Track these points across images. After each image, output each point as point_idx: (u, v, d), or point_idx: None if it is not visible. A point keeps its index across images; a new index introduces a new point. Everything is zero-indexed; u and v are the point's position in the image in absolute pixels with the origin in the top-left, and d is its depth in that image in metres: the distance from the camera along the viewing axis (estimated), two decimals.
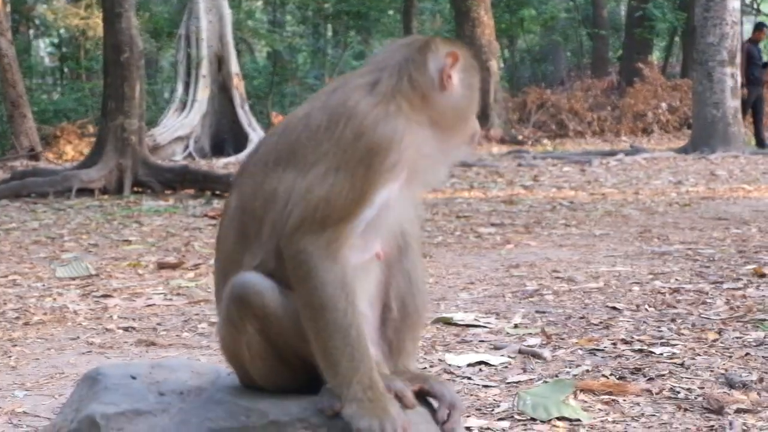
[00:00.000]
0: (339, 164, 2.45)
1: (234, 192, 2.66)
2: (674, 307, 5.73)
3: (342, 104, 2.52)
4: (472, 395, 4.08)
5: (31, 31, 36.98)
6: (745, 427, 3.59)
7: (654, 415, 3.76)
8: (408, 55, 2.61)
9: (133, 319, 5.91)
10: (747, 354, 4.62)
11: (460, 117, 2.62)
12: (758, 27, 23.48)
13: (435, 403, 2.69)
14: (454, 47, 2.64)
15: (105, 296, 6.63)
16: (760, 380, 4.14)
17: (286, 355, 2.55)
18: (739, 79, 20.80)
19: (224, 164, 21.07)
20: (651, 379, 4.24)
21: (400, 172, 2.47)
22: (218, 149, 24.02)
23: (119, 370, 2.94)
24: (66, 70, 35.22)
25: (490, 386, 4.23)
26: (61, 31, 34.05)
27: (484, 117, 27.88)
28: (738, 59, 20.77)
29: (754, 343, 4.82)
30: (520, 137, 28.08)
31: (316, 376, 2.52)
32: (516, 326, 5.36)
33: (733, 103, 20.49)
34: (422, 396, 2.68)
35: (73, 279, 7.29)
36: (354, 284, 2.47)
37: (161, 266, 7.74)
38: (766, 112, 23.11)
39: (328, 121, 2.50)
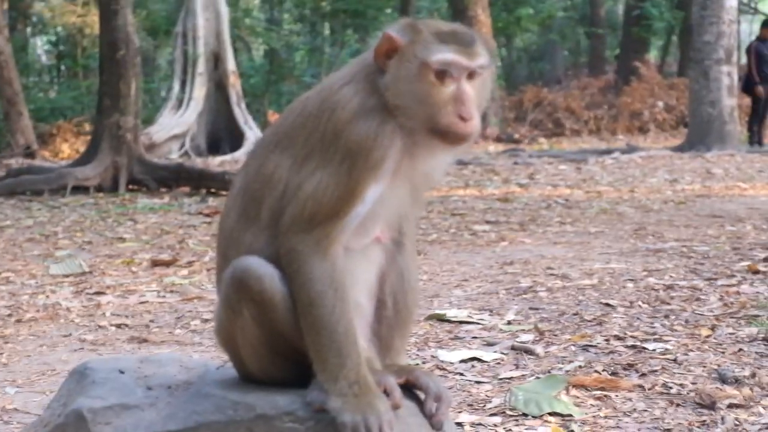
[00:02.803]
0: (326, 161, 2.45)
1: (240, 172, 2.68)
2: (668, 304, 5.72)
3: (329, 91, 2.52)
4: (464, 391, 4.07)
5: (29, 29, 36.93)
6: (737, 422, 3.58)
7: (646, 411, 3.75)
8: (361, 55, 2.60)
9: (126, 316, 5.90)
10: (740, 350, 4.61)
11: (408, 106, 2.47)
12: (765, 24, 23.51)
13: (423, 396, 2.68)
14: (400, 29, 2.52)
15: (98, 293, 6.62)
16: (753, 375, 4.13)
17: (278, 344, 2.54)
18: (736, 79, 20.80)
19: (220, 162, 21.06)
20: (643, 374, 4.24)
21: (386, 168, 2.46)
22: (214, 147, 24.01)
23: (107, 365, 2.93)
24: (63, 68, 35.24)
25: (483, 382, 4.22)
26: (58, 28, 34.01)
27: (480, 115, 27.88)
28: (734, 58, 20.78)
29: (747, 339, 4.81)
30: (517, 136, 28.08)
31: (307, 369, 2.51)
32: (509, 323, 5.35)
33: (730, 102, 20.49)
34: (410, 389, 2.67)
35: (67, 276, 7.28)
36: (345, 280, 2.47)
37: (155, 263, 7.73)
38: None
39: (318, 109, 2.51)
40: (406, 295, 2.68)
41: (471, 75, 2.51)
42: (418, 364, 4.39)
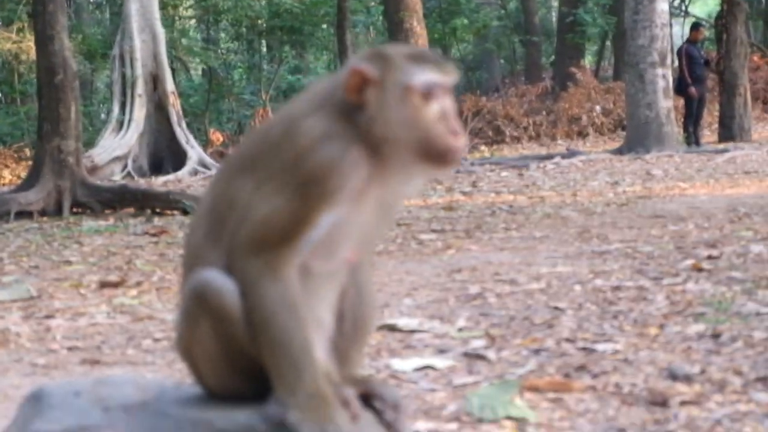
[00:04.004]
0: (282, 186, 2.45)
1: (208, 191, 2.69)
2: (616, 304, 5.78)
3: (292, 119, 2.52)
4: (419, 399, 4.09)
5: None
6: (689, 419, 3.63)
7: (600, 411, 3.79)
8: (342, 69, 2.60)
9: (77, 339, 5.87)
10: (689, 347, 4.67)
11: (398, 134, 2.46)
12: (695, 27, 23.92)
13: (380, 406, 2.70)
14: (367, 60, 2.51)
15: (47, 317, 6.58)
16: (703, 372, 4.18)
17: (236, 358, 2.55)
18: (671, 81, 21.04)
19: (163, 182, 20.99)
20: (596, 375, 4.28)
21: (345, 195, 2.45)
22: (157, 167, 23.91)
23: (63, 388, 2.93)
24: (0, 94, 34.94)
25: (437, 389, 4.24)
26: None
27: None
28: (668, 60, 21.01)
29: (695, 337, 4.87)
30: None
31: (265, 383, 2.52)
32: (460, 330, 5.38)
33: (666, 104, 20.70)
34: (367, 399, 2.69)
35: (15, 301, 7.22)
36: (298, 300, 2.47)
37: (103, 285, 7.69)
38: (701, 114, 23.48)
39: (281, 135, 2.51)
40: (364, 309, 2.70)
41: (450, 89, 2.54)
42: (372, 375, 4.41)
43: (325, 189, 2.43)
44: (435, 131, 2.46)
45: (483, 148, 28.09)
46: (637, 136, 20.81)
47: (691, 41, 23.45)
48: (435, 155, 2.47)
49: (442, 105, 2.48)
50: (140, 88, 24.18)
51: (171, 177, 22.16)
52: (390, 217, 2.68)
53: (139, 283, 7.70)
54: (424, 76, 2.47)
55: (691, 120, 22.91)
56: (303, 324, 2.47)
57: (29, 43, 26.51)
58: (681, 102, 23.68)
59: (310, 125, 2.46)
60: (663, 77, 20.67)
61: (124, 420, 2.73)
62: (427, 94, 2.47)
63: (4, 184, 22.42)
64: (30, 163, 18.56)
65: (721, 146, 21.88)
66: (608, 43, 40.19)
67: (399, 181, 2.55)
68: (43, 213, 14.15)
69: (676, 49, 23.66)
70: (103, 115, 31.14)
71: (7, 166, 24.83)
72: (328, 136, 2.45)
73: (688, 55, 22.76)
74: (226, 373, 2.60)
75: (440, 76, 2.50)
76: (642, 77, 20.62)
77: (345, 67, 2.56)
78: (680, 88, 22.60)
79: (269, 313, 2.44)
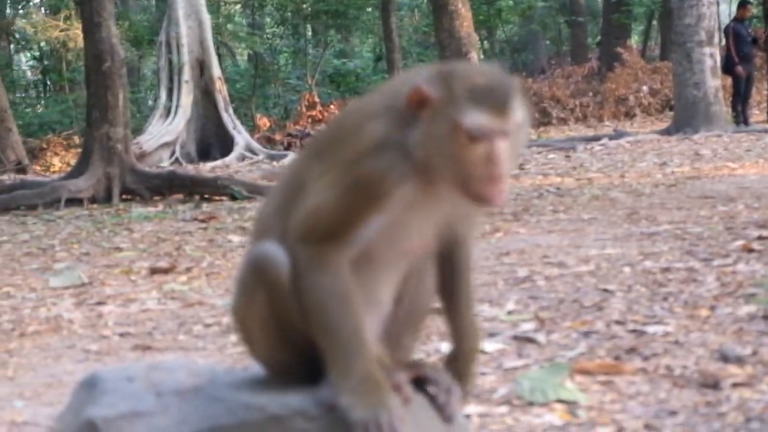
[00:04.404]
0: (336, 181, 2.42)
1: (291, 161, 2.70)
2: (665, 286, 5.76)
3: (359, 117, 2.49)
4: None
5: (12, 46, 36.90)
6: (741, 401, 3.62)
7: (651, 394, 3.79)
8: (405, 80, 2.50)
9: (129, 325, 5.92)
10: (740, 328, 4.65)
11: (436, 164, 2.38)
12: (742, 4, 23.64)
13: (432, 390, 2.70)
14: (431, 81, 2.40)
15: (99, 303, 6.64)
16: (755, 353, 4.17)
17: (288, 333, 2.54)
18: (718, 60, 20.86)
19: (211, 168, 21.07)
20: (646, 357, 4.27)
21: (392, 204, 2.41)
22: (204, 153, 23.99)
23: (116, 374, 2.95)
24: (48, 82, 35.20)
25: (487, 373, 4.25)
26: (42, 43, 33.98)
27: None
28: (716, 39, 20.84)
29: (746, 318, 4.85)
30: None
31: (317, 362, 2.52)
32: (509, 313, 5.38)
33: (714, 83, 20.54)
34: (419, 384, 2.70)
35: (67, 288, 7.30)
36: (347, 289, 2.45)
37: (154, 271, 7.75)
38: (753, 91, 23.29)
39: (346, 131, 2.49)
40: (422, 296, 2.69)
41: (505, 134, 2.39)
42: (423, 359, 4.42)
43: (372, 195, 2.40)
44: (473, 174, 2.36)
45: (529, 130, 27.98)
46: (684, 116, 20.65)
47: (739, 19, 23.21)
48: (470, 196, 2.39)
49: (490, 149, 2.35)
50: (187, 74, 24.25)
51: (218, 163, 22.23)
52: (463, 215, 2.62)
53: (188, 269, 7.75)
54: (476, 119, 2.35)
55: (739, 99, 22.71)
56: (353, 311, 2.46)
57: (77, 31, 26.69)
58: (729, 81, 23.48)
59: (372, 129, 2.43)
60: (710, 56, 20.51)
61: (177, 405, 2.74)
62: (476, 137, 2.35)
63: (54, 172, 22.58)
64: (79, 150, 18.70)
65: None
66: (654, 22, 39.91)
67: (448, 201, 2.48)
68: (92, 200, 14.26)
69: (723, 28, 23.47)
70: (150, 102, 31.30)
71: (56, 154, 25.00)
72: (385, 144, 2.40)
73: (735, 33, 22.54)
74: (278, 346, 2.60)
75: (495, 122, 2.36)
76: (689, 56, 20.45)
77: (416, 75, 2.48)
78: (728, 66, 22.40)
79: (318, 302, 2.44)
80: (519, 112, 2.41)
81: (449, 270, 2.69)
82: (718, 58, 20.95)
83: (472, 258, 2.72)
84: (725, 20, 27.67)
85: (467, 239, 2.69)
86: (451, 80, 2.39)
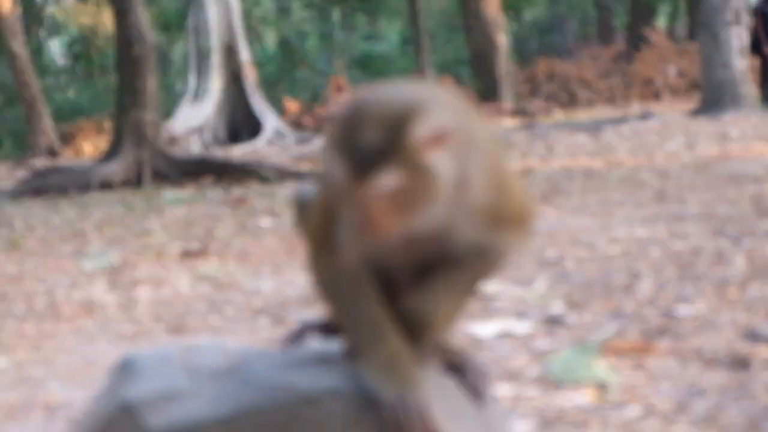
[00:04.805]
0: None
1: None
2: (695, 267, 5.76)
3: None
4: (500, 364, 4.13)
5: (43, 32, 37.08)
6: None
7: (681, 374, 3.80)
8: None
9: (161, 308, 5.97)
10: None
11: None
12: None
13: (462, 371, 2.72)
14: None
15: (132, 286, 6.70)
16: None
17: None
18: (745, 40, 20.73)
19: (240, 152, 21.13)
20: (676, 338, 4.29)
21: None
22: (234, 137, 24.07)
23: (151, 355, 2.98)
24: (79, 68, 35.35)
25: (517, 354, 4.27)
26: (72, 29, 34.13)
27: (493, 91, 27.87)
28: (744, 19, 20.71)
29: None
30: (532, 109, 28.03)
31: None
32: (539, 294, 5.40)
33: (741, 64, 20.42)
34: (448, 365, 2.72)
35: (100, 272, 7.36)
36: (355, 280, 2.47)
37: (185, 255, 7.80)
38: None
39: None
40: (453, 281, 2.69)
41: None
42: (453, 340, 4.44)
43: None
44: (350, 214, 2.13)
45: (557, 111, 27.94)
46: (712, 97, 20.55)
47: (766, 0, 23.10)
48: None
49: (352, 198, 2.09)
50: (215, 58, 24.34)
51: (248, 147, 22.30)
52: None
53: (219, 253, 7.79)
54: (330, 168, 2.11)
55: (767, 80, 22.59)
56: (367, 299, 2.44)
57: (106, 17, 26.80)
58: (757, 62, 23.34)
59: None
60: (738, 37, 20.38)
61: (211, 387, 2.77)
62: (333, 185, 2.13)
63: (85, 156, 22.70)
64: (109, 135, 18.80)
65: None
66: (681, 3, 39.72)
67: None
68: (124, 184, 14.35)
69: (752, 8, 23.32)
70: (178, 87, 31.38)
71: (87, 139, 25.16)
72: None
73: (763, 13, 22.40)
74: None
75: (347, 176, 2.07)
76: (716, 37, 20.34)
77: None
78: (756, 47, 22.27)
79: (326, 292, 2.44)
80: (388, 166, 2.00)
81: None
82: (746, 39, 20.83)
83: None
84: (753, 0, 27.46)
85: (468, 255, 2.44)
86: (333, 120, 2.19)
